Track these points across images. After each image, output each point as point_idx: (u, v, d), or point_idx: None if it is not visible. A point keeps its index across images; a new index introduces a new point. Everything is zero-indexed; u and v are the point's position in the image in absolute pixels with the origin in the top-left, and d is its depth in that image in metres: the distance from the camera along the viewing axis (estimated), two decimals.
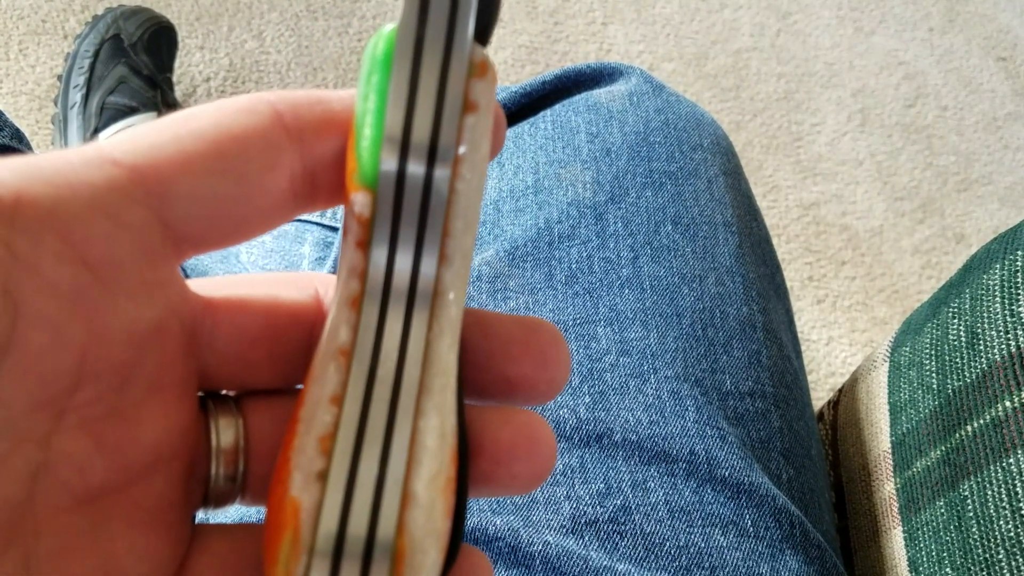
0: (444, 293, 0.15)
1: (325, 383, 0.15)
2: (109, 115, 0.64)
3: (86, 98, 0.65)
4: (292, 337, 0.16)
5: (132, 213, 0.14)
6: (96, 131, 0.64)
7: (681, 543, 0.32)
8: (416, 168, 0.14)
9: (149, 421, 0.15)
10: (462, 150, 0.15)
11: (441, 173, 0.15)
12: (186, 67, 0.84)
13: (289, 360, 0.16)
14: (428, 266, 0.15)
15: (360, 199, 0.15)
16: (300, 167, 0.15)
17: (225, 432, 0.16)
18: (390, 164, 0.14)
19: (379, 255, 0.15)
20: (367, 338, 0.15)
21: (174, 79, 0.78)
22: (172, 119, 0.15)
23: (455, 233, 0.15)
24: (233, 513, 0.32)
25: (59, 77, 0.71)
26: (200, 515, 0.27)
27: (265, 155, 0.15)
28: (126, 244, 0.14)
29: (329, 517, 0.14)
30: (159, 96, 0.68)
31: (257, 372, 0.16)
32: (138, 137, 0.14)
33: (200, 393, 0.16)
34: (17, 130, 0.46)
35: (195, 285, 0.16)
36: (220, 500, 0.16)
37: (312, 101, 0.15)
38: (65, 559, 0.14)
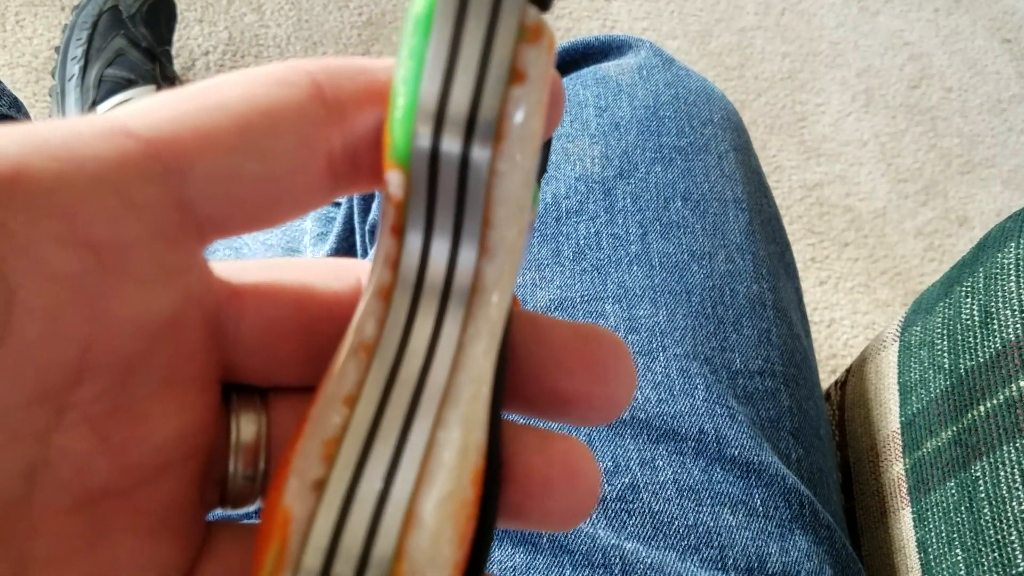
0: (484, 290, 0.14)
1: (342, 380, 0.14)
2: (107, 88, 0.63)
3: (84, 70, 0.64)
4: (326, 332, 0.15)
5: (146, 192, 0.12)
6: (94, 103, 0.63)
7: (690, 522, 0.31)
8: (451, 145, 0.13)
9: (161, 418, 0.14)
10: (506, 126, 0.13)
11: (480, 152, 0.13)
12: (185, 40, 0.83)
13: (322, 356, 0.15)
14: (466, 258, 0.14)
15: (394, 178, 0.13)
16: (340, 144, 0.14)
17: (247, 427, 0.15)
18: (423, 139, 0.13)
19: (413, 243, 0.14)
20: (394, 334, 0.14)
21: (173, 52, 0.78)
22: (198, 88, 0.13)
23: (497, 222, 0.13)
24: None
25: (56, 49, 0.70)
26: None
27: (300, 131, 0.13)
28: (137, 226, 0.12)
29: (321, 532, 0.13)
30: (158, 69, 0.68)
31: (286, 367, 0.15)
32: (158, 107, 0.13)
33: (224, 384, 0.15)
34: (15, 99, 0.45)
35: (221, 268, 0.15)
36: (238, 500, 0.15)
37: (355, 71, 0.14)
38: (61, 564, 0.13)
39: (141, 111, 0.13)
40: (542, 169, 0.18)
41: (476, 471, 0.13)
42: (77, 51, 0.65)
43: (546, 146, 0.18)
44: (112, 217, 0.12)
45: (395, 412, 0.13)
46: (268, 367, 0.15)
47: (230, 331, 0.14)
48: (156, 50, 0.68)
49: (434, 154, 0.13)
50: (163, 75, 0.68)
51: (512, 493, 0.14)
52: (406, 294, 0.14)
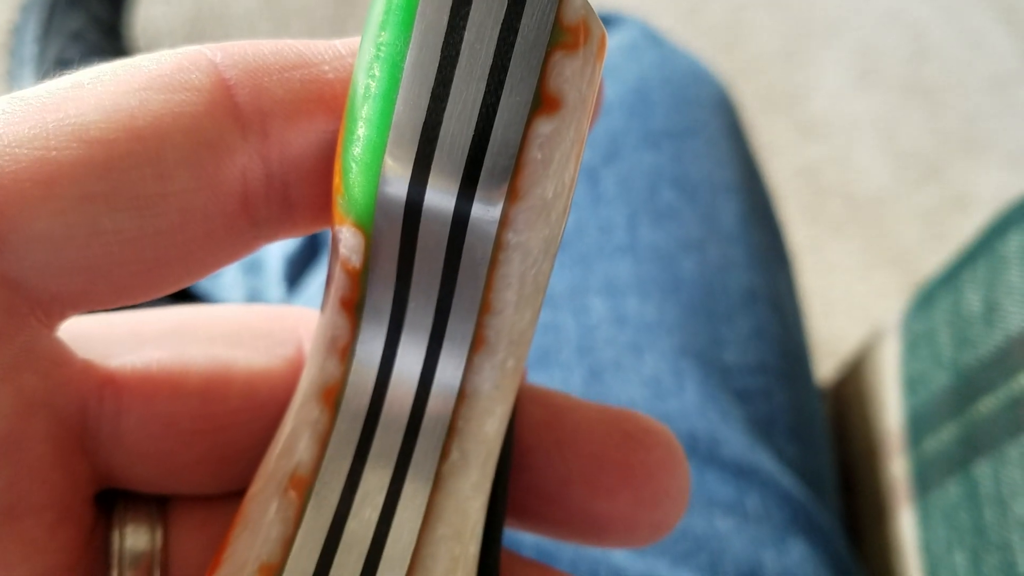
0: (477, 397, 0.10)
1: (258, 535, 0.09)
2: (65, 69, 0.62)
3: (42, 51, 0.63)
4: (246, 431, 0.11)
5: None
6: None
7: (681, 528, 0.30)
8: (440, 200, 0.09)
9: (2, 567, 0.10)
10: (526, 177, 0.09)
11: (484, 212, 0.09)
12: (148, 19, 0.81)
13: (242, 461, 0.11)
14: (453, 354, 0.10)
15: (349, 239, 0.09)
16: (261, 175, 0.10)
17: (135, 540, 0.11)
18: (396, 186, 0.09)
19: (374, 330, 0.10)
20: (339, 463, 0.09)
21: (136, 32, 0.76)
22: (41, 97, 0.09)
23: (502, 308, 0.09)
24: None
25: (13, 30, 0.68)
26: None
27: (197, 161, 0.09)
28: None
29: None
30: (119, 50, 0.66)
31: (188, 476, 0.11)
32: None
33: (107, 490, 0.11)
34: None
35: (95, 338, 0.11)
36: None
37: (286, 65, 0.10)
38: None
39: None
40: None
41: None
42: (34, 31, 0.63)
43: None
44: None
45: None
46: (162, 476, 0.11)
47: (105, 433, 0.10)
48: (117, 30, 0.67)
49: (411, 210, 0.09)
50: (124, 56, 0.67)
51: None
52: (361, 400, 0.10)
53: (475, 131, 0.09)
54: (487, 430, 0.10)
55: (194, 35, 0.82)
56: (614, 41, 0.42)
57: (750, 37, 0.99)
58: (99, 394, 0.10)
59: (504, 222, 0.09)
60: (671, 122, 0.38)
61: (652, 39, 0.42)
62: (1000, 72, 1.03)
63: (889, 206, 0.92)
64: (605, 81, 0.39)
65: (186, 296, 0.44)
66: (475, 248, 0.09)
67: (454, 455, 0.10)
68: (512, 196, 0.09)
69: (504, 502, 0.10)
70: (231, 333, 0.11)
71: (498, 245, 0.09)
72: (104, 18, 0.66)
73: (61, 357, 0.10)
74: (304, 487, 0.09)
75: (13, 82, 0.68)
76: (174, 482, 0.11)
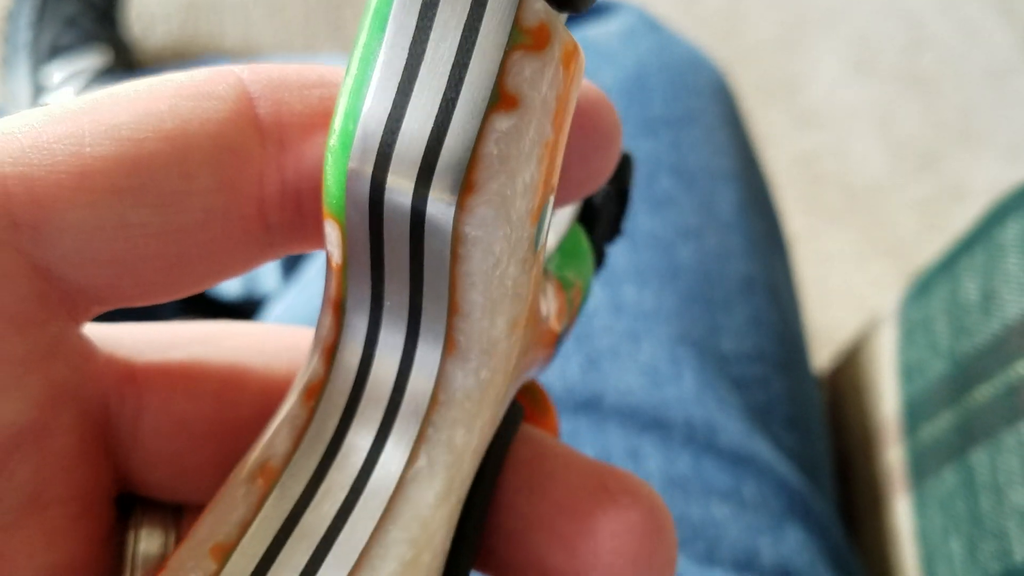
0: (449, 405, 0.10)
1: (219, 517, 0.10)
2: (59, 55, 0.61)
3: (37, 37, 0.62)
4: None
5: None
6: (42, 66, 0.62)
7: (678, 515, 0.30)
8: (398, 194, 0.09)
9: (23, 556, 0.10)
10: (481, 171, 0.09)
11: (439, 206, 0.09)
12: (142, 5, 0.80)
13: None
14: (425, 361, 0.10)
15: (331, 234, 0.10)
16: (278, 184, 0.10)
17: (149, 542, 0.11)
18: (361, 181, 0.09)
19: (355, 328, 0.10)
20: (309, 458, 0.10)
21: (130, 18, 0.75)
22: (76, 105, 0.10)
23: (469, 310, 0.09)
24: None
25: (8, 16, 0.68)
26: None
27: (219, 165, 0.10)
28: None
29: None
30: (113, 36, 0.65)
31: (200, 483, 0.11)
32: (10, 132, 0.10)
33: (126, 495, 0.12)
34: None
35: (118, 337, 0.11)
36: None
37: (304, 82, 0.10)
38: None
39: None
40: (610, 231, 0.13)
41: None
42: (29, 17, 0.63)
43: (620, 196, 0.13)
44: None
45: None
46: (175, 479, 0.11)
47: (124, 431, 0.11)
48: (111, 16, 0.66)
49: (375, 203, 0.09)
50: (118, 42, 0.66)
51: None
52: (338, 399, 0.10)
53: (435, 123, 0.09)
54: (457, 440, 0.10)
55: (188, 22, 0.81)
56: (611, 27, 0.41)
57: (747, 26, 0.98)
58: (120, 390, 0.11)
59: (461, 214, 0.09)
60: (669, 109, 0.38)
61: (649, 25, 0.41)
62: (997, 63, 1.03)
63: (885, 196, 0.92)
64: (604, 67, 0.39)
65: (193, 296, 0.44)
66: (435, 239, 0.09)
67: (421, 461, 0.10)
68: (468, 188, 0.09)
69: (479, 528, 0.10)
70: (254, 344, 0.12)
71: (457, 237, 0.09)
72: (98, 4, 0.65)
73: (87, 351, 0.11)
74: (272, 477, 0.10)
75: (7, 68, 0.68)
76: (186, 487, 0.11)
